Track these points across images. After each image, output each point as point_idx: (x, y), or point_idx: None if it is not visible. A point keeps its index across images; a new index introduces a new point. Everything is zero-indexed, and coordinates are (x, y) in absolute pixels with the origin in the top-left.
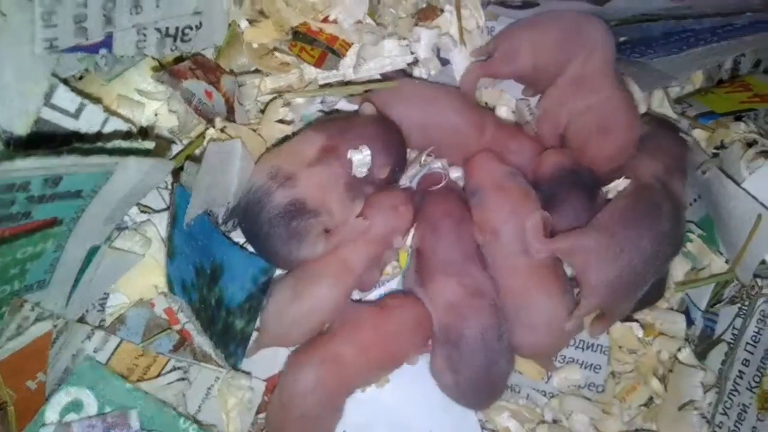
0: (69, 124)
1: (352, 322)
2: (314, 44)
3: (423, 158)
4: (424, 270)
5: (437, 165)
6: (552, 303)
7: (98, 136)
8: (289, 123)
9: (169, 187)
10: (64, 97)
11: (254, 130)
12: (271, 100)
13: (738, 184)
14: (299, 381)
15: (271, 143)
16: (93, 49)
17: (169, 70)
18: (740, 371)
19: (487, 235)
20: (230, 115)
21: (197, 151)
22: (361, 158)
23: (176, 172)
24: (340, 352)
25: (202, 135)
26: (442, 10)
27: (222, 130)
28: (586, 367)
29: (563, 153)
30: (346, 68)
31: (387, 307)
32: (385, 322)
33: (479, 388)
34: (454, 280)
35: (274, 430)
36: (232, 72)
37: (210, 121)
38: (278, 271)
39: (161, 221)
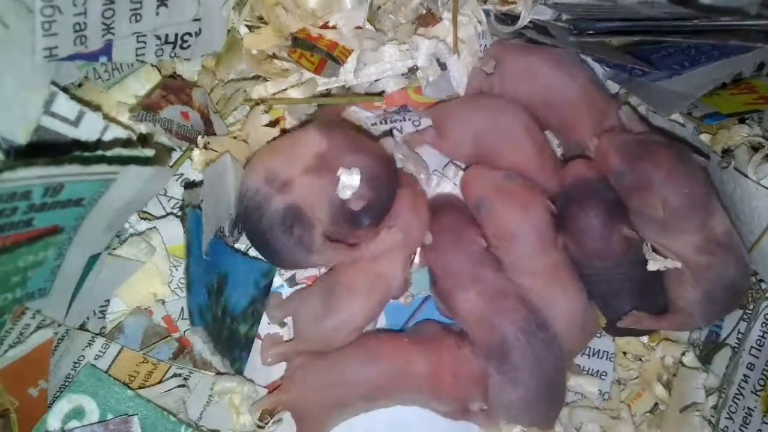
0: (69, 131)
1: None
2: (314, 51)
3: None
4: (442, 291)
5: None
6: (575, 302)
7: (98, 143)
8: (273, 126)
9: (166, 194)
10: (64, 105)
11: (235, 137)
12: (254, 105)
13: (759, 183)
14: None
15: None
16: (92, 56)
17: (142, 106)
18: (745, 375)
19: (506, 243)
20: (208, 128)
21: (194, 176)
22: (348, 180)
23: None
24: None
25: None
26: (441, 18)
27: (206, 147)
28: (592, 374)
29: (588, 165)
30: (347, 75)
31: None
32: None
33: (544, 391)
34: (472, 293)
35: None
36: (197, 85)
37: (192, 141)
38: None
39: (164, 228)
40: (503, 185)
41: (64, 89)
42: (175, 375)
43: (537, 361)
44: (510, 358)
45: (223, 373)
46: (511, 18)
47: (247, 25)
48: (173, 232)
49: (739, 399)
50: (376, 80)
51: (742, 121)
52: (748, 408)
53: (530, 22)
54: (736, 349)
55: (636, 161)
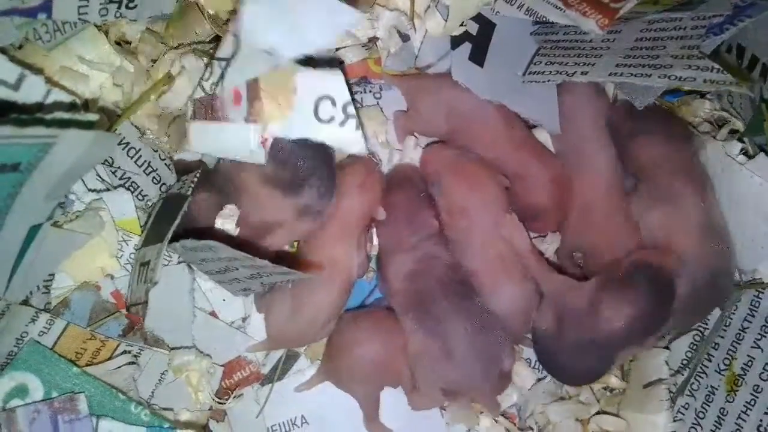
0: (8, 95)
1: None
2: None
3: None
4: (382, 259)
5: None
6: (520, 288)
7: (39, 107)
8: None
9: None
10: (3, 67)
11: None
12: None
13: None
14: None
15: None
16: (31, 12)
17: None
18: (709, 354)
19: (456, 219)
20: None
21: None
22: None
23: None
24: None
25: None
26: None
27: None
28: None
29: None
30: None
31: None
32: None
33: (471, 348)
34: (408, 255)
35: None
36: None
37: None
38: None
39: (113, 201)
40: (456, 161)
41: (3, 51)
42: (125, 352)
43: (457, 311)
44: (429, 306)
45: (177, 348)
46: None
47: None
48: (123, 205)
49: (701, 377)
50: (336, 49)
51: (702, 96)
52: (711, 386)
53: (479, 17)
54: (701, 331)
55: None
